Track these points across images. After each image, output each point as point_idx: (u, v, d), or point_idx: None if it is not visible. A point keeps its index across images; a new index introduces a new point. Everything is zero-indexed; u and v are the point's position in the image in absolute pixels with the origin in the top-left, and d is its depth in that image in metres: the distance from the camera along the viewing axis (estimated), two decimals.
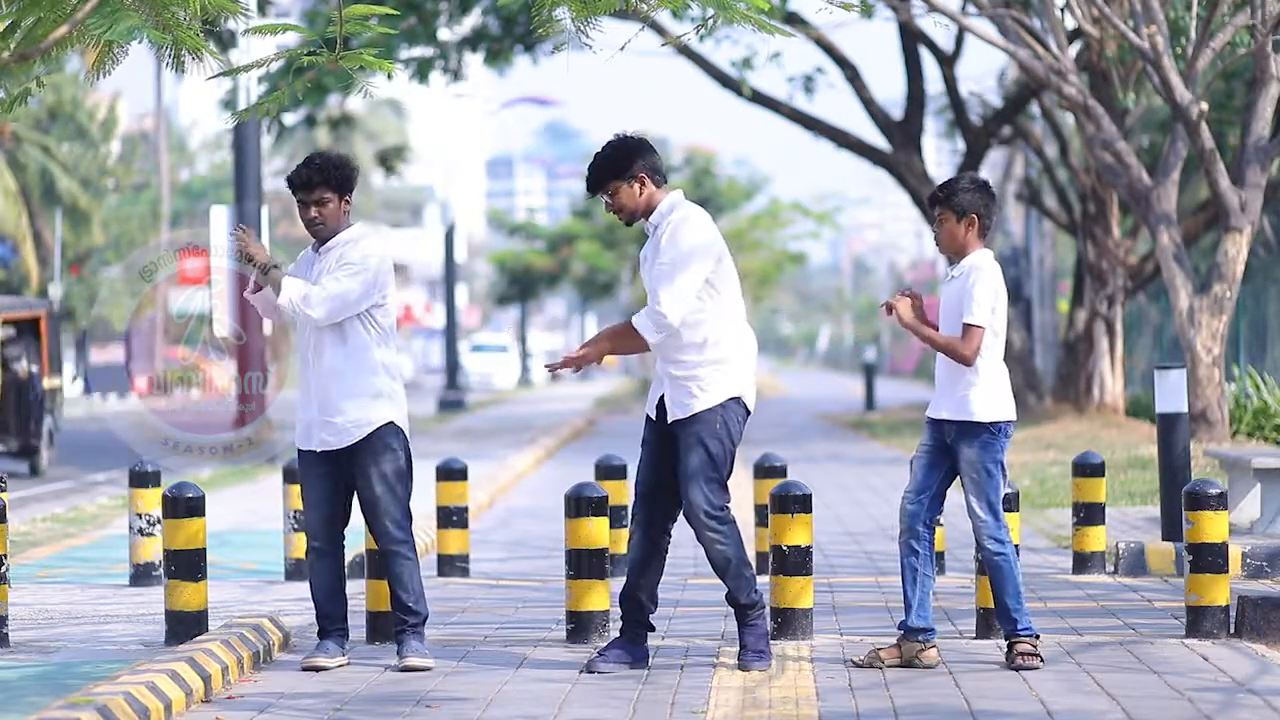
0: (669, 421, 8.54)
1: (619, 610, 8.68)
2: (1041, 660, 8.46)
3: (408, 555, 8.79)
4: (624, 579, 8.69)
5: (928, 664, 8.51)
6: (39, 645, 9.25)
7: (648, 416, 8.69)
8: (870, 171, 38.67)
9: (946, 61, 32.71)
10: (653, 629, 8.68)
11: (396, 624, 8.80)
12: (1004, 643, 8.67)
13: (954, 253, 8.67)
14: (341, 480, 8.83)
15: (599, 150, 8.71)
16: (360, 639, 9.38)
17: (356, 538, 10.45)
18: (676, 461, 8.52)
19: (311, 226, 8.84)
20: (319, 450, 8.79)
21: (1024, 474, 18.95)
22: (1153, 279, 30.03)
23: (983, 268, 8.58)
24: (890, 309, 8.72)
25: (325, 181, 8.79)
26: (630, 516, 8.75)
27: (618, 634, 8.68)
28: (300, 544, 12.12)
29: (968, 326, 8.50)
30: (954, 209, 8.63)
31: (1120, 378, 29.47)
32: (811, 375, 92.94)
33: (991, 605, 9.21)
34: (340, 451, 8.76)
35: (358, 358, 8.76)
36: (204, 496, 9.31)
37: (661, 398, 8.60)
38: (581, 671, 8.44)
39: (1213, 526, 9.07)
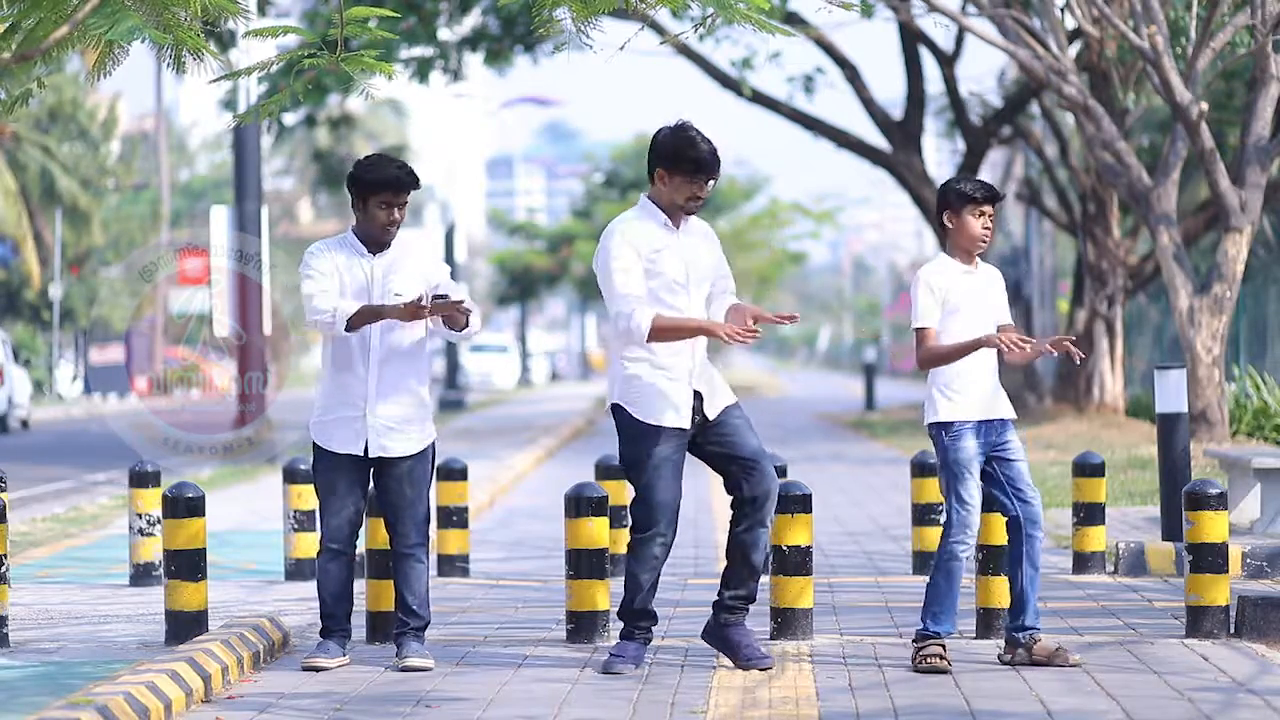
0: (720, 410, 8.49)
1: (623, 621, 8.58)
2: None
3: (421, 559, 8.81)
4: (635, 591, 8.50)
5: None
6: (39, 645, 9.25)
7: (666, 429, 8.42)
8: (870, 171, 38.71)
9: (946, 61, 32.72)
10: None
11: (398, 626, 8.80)
12: (1002, 642, 8.69)
13: (980, 252, 8.69)
14: (366, 482, 8.83)
15: (705, 136, 8.48)
16: (360, 639, 9.38)
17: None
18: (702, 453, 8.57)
19: (388, 230, 8.70)
20: (373, 456, 8.71)
21: None
22: (1153, 279, 30.04)
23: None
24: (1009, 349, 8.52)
25: (413, 185, 8.74)
26: (656, 536, 8.45)
27: (626, 636, 8.61)
28: (301, 544, 12.12)
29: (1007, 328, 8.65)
30: (997, 210, 8.74)
31: (1120, 378, 29.47)
32: (811, 375, 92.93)
33: (991, 605, 9.22)
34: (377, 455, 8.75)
35: (421, 366, 8.82)
36: (204, 496, 9.30)
37: (698, 398, 8.49)
38: (600, 671, 8.41)
39: (1213, 526, 9.07)
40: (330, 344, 8.79)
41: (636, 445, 8.45)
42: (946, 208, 8.58)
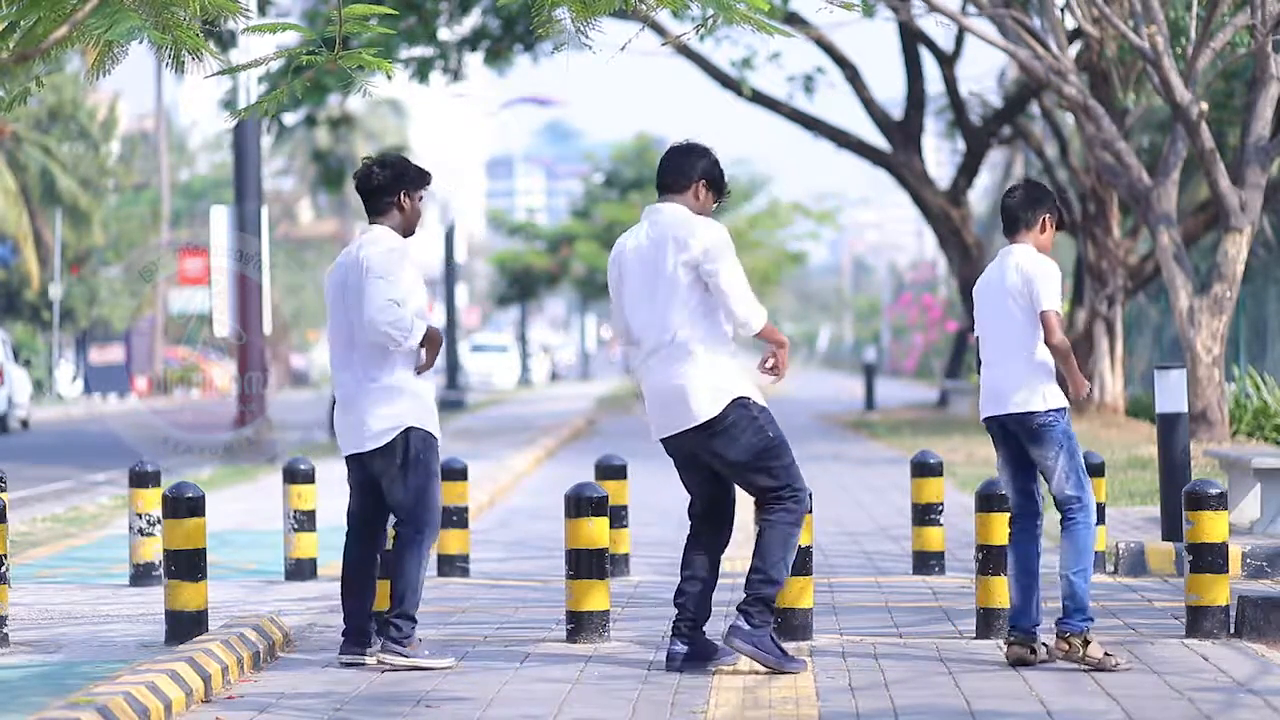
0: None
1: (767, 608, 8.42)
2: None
3: None
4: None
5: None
6: (39, 645, 9.25)
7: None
8: (870, 171, 38.73)
9: (946, 61, 32.75)
10: None
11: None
12: (1003, 644, 8.69)
13: None
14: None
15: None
16: None
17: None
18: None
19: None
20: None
21: None
22: (1153, 279, 30.04)
23: None
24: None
25: None
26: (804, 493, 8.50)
27: (761, 623, 8.39)
28: (301, 544, 12.15)
29: None
30: None
31: (1120, 378, 29.46)
32: (811, 375, 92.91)
33: (991, 605, 9.22)
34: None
35: None
36: (204, 496, 9.30)
37: None
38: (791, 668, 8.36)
39: (1213, 526, 9.07)
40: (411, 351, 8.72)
41: (770, 425, 8.40)
42: (1051, 214, 8.75)
